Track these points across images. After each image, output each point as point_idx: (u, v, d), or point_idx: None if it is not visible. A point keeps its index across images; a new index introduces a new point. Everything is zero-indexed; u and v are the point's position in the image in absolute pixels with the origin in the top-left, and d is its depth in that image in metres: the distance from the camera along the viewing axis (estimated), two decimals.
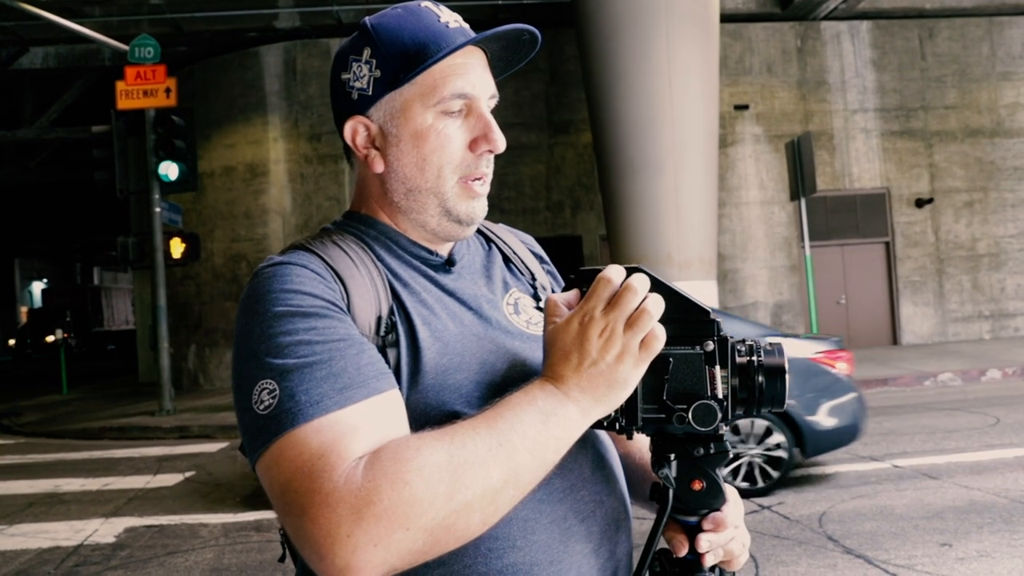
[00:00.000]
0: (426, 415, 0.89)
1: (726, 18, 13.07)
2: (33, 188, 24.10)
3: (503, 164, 13.94)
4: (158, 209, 10.89)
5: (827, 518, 4.94)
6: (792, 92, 14.45)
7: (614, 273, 0.85)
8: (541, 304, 1.09)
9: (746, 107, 14.27)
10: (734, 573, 0.97)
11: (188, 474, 7.47)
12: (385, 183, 1.02)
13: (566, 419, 0.84)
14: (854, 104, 14.55)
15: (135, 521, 5.86)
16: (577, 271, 0.90)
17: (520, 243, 1.19)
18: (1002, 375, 10.68)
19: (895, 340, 14.53)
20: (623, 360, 0.83)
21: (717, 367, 0.87)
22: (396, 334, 0.94)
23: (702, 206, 10.74)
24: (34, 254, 34.73)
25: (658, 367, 0.86)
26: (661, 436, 0.90)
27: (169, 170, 10.74)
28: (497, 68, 1.04)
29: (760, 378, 0.88)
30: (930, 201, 14.51)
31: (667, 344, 0.85)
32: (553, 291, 1.16)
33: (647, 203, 10.51)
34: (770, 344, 0.90)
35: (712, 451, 0.89)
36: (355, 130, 1.02)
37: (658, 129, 10.38)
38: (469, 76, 0.98)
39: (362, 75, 1.00)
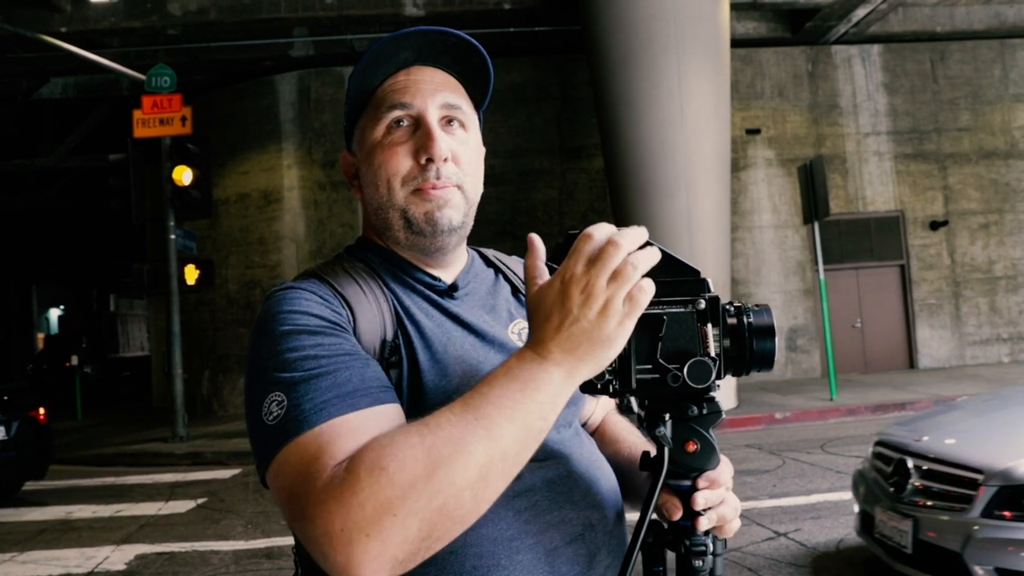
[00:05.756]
0: None
1: (737, 43, 13.13)
2: (51, 215, 24.38)
3: (515, 190, 13.99)
4: (173, 236, 10.98)
5: (845, 545, 4.86)
6: (804, 116, 14.46)
7: (597, 230, 0.82)
8: None
9: (758, 131, 14.29)
10: (725, 541, 0.96)
11: (200, 501, 7.45)
12: (365, 208, 1.09)
13: (547, 383, 0.80)
14: (866, 127, 14.54)
15: (146, 548, 5.85)
16: (566, 234, 0.86)
17: None
18: None
19: (912, 364, 14.39)
20: (606, 315, 0.79)
21: (709, 325, 0.87)
22: (399, 356, 0.97)
23: (715, 230, 10.72)
24: (51, 281, 35.04)
25: (652, 327, 0.85)
26: (654, 399, 0.90)
27: None
28: (473, 84, 1.09)
29: (750, 338, 0.89)
30: (945, 223, 14.43)
31: (659, 301, 0.83)
32: None
33: (660, 227, 10.49)
34: (757, 305, 0.92)
35: (705, 411, 0.89)
36: (344, 162, 1.12)
37: (670, 154, 10.40)
38: (410, 90, 1.03)
39: (346, 112, 1.10)
